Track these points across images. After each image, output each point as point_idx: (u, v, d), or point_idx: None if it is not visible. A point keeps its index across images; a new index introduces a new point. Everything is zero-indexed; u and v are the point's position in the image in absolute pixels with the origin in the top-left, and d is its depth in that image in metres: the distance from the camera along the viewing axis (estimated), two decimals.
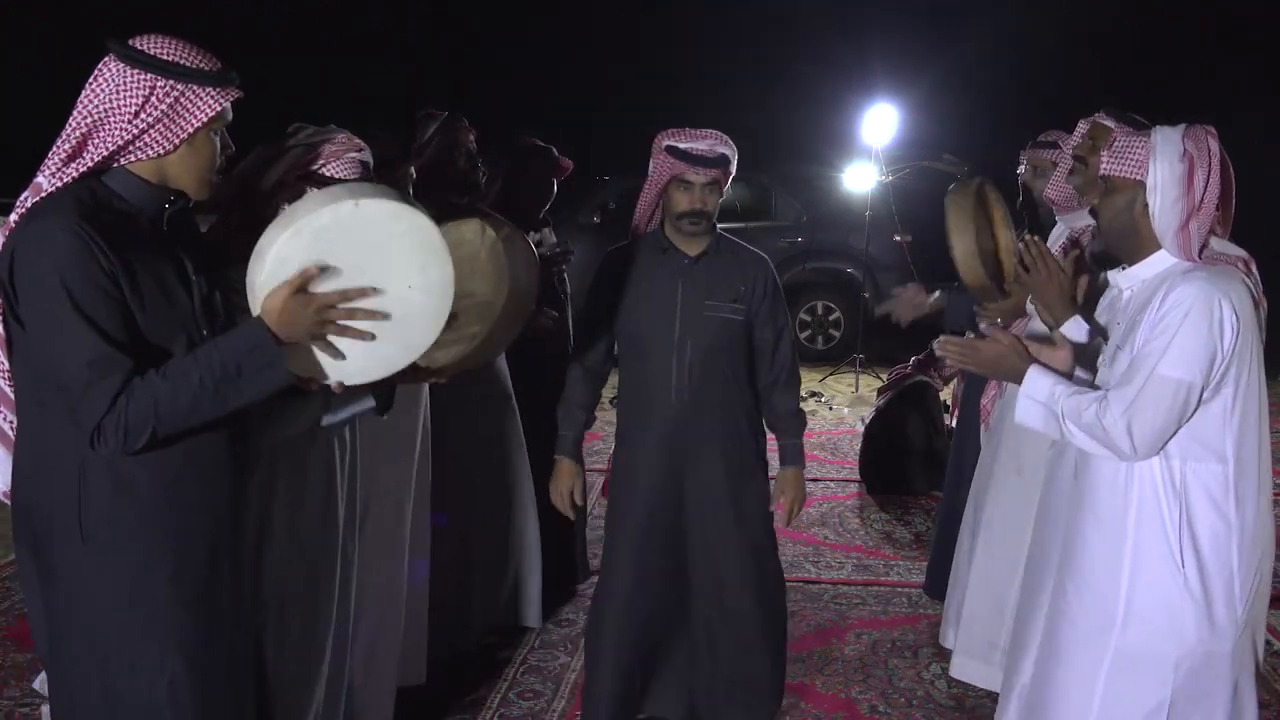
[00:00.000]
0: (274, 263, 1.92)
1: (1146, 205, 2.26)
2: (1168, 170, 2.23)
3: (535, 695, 3.61)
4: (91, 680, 1.95)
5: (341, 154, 2.42)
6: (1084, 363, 2.50)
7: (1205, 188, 2.22)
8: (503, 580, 3.85)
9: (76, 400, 1.86)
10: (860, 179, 8.80)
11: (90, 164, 1.92)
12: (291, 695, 2.54)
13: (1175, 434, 2.22)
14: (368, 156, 2.47)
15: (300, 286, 1.91)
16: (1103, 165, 2.34)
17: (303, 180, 2.40)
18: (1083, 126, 3.32)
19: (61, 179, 1.92)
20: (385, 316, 1.98)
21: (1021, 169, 4.00)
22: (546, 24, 14.76)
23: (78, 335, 1.83)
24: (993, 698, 3.61)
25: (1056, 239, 3.51)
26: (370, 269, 1.95)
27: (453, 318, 2.09)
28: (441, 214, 2.49)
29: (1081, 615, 2.34)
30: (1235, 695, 2.29)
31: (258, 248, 1.97)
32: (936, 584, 4.19)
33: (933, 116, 10.79)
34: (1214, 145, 2.25)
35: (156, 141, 1.93)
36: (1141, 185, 2.26)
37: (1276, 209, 10.24)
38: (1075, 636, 2.34)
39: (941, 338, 2.42)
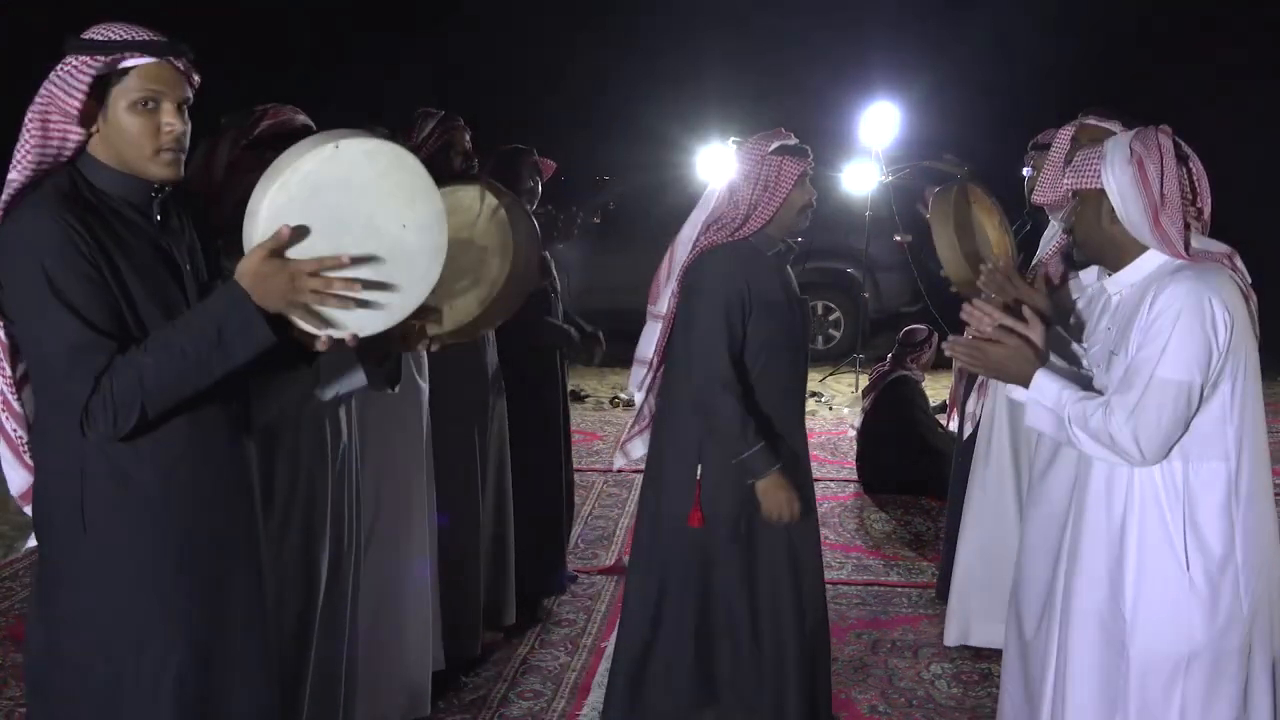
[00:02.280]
0: (267, 218, 1.89)
1: (1113, 211, 2.29)
2: (1119, 172, 2.26)
3: (535, 695, 3.60)
4: (97, 675, 1.94)
5: (280, 117, 2.44)
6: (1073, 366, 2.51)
7: (1162, 182, 2.24)
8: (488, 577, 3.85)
9: (61, 386, 1.85)
10: (860, 179, 8.80)
11: (26, 150, 1.90)
12: (287, 677, 2.55)
13: (1182, 437, 2.21)
14: (309, 121, 2.49)
15: (274, 249, 1.88)
16: (1065, 181, 2.38)
17: (248, 151, 2.40)
18: (1067, 130, 3.34)
19: (22, 173, 1.91)
20: (375, 277, 1.93)
21: (1027, 170, 4.01)
22: (546, 24, 14.75)
23: (58, 321, 1.83)
24: (993, 697, 3.62)
25: (1051, 239, 3.52)
26: (361, 213, 1.92)
27: (448, 279, 2.06)
28: (439, 180, 2.49)
29: (1091, 627, 2.34)
30: (1247, 688, 2.29)
31: (249, 207, 1.94)
32: (947, 587, 4.18)
33: (933, 116, 10.78)
34: (1165, 141, 2.27)
35: (62, 120, 1.90)
36: (1103, 193, 2.29)
37: (1272, 205, 10.24)
38: (1085, 651, 2.34)
39: (950, 338, 2.43)
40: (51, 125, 1.91)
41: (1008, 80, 12.48)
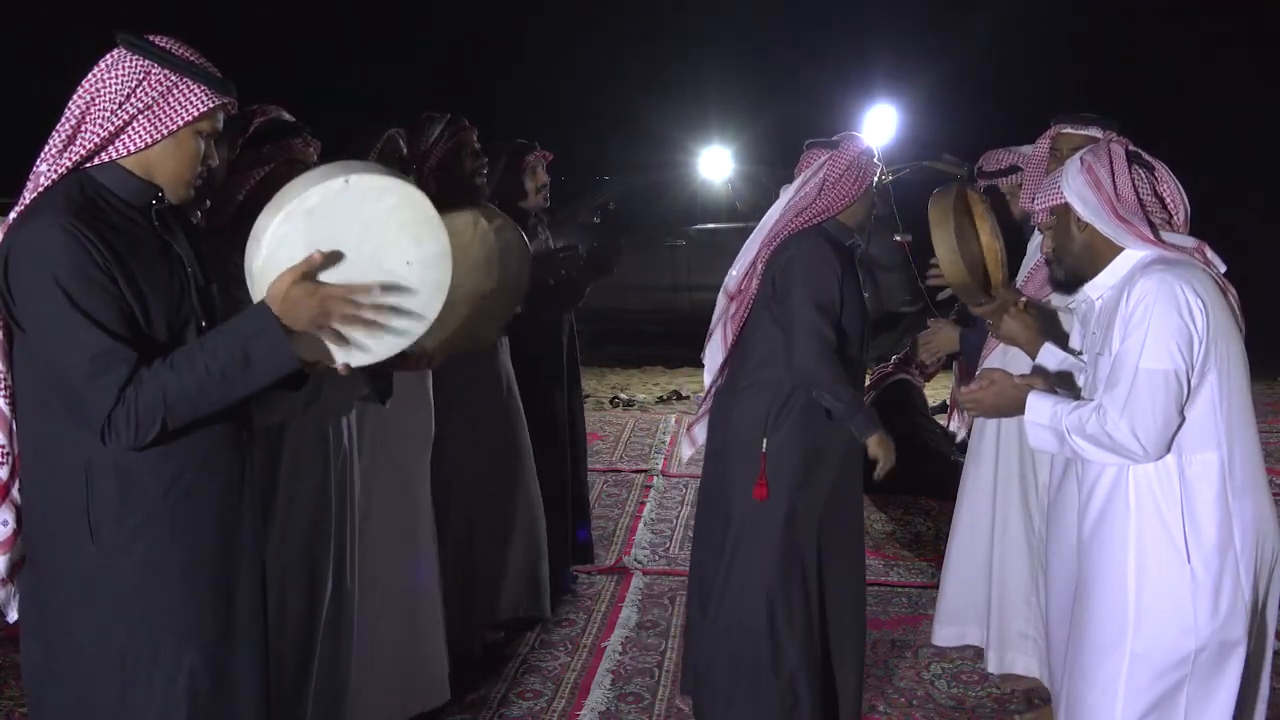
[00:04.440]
0: (270, 246, 1.91)
1: (1080, 219, 2.40)
2: (1074, 180, 2.40)
3: (535, 695, 3.61)
4: (106, 681, 1.93)
5: (269, 114, 2.53)
6: (1067, 384, 2.55)
7: (1113, 179, 2.37)
8: (507, 575, 3.86)
9: (82, 396, 1.85)
10: None
11: (82, 151, 1.91)
12: (290, 681, 2.55)
13: (1182, 425, 2.24)
14: (287, 116, 2.58)
15: (305, 274, 1.91)
16: (1038, 203, 2.52)
17: (247, 148, 2.48)
18: (1044, 141, 3.37)
19: (59, 168, 1.91)
20: (388, 302, 1.97)
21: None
22: (547, 26, 14.77)
23: (77, 332, 1.83)
24: (992, 697, 3.63)
25: (1036, 251, 3.51)
26: (366, 247, 1.95)
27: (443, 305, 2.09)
28: (437, 208, 2.49)
29: (1095, 629, 2.35)
30: (1252, 675, 2.32)
31: (253, 232, 1.96)
32: None
33: (933, 116, 10.80)
34: (1117, 149, 2.42)
35: (143, 130, 1.92)
36: (1068, 205, 2.42)
37: (1270, 205, 10.25)
38: (1092, 651, 2.36)
39: (962, 389, 2.55)
40: (129, 131, 1.92)
41: (1006, 81, 12.50)
